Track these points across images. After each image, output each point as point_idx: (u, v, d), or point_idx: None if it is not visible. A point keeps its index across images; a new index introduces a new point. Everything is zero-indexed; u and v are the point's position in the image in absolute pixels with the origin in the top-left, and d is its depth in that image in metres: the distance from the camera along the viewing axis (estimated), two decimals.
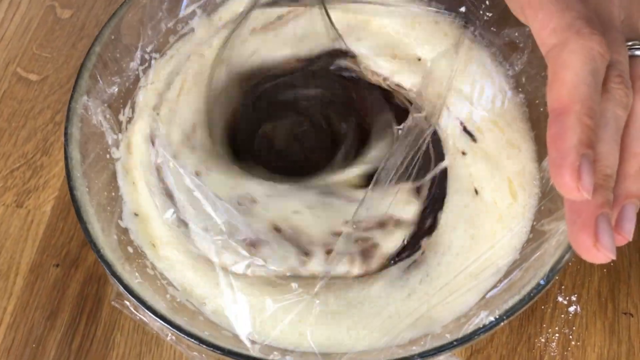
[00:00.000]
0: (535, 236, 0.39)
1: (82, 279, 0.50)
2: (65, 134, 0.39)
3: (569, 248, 0.34)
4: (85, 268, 0.51)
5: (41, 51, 0.62)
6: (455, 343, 0.32)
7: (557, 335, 0.46)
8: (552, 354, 0.46)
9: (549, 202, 0.41)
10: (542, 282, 0.33)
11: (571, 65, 0.30)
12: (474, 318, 0.34)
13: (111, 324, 0.49)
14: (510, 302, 0.33)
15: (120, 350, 0.48)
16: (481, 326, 0.32)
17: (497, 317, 0.33)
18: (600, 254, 0.30)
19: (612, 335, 0.46)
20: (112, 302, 0.38)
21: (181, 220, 0.39)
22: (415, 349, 0.32)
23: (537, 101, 0.44)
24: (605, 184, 0.31)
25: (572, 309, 0.47)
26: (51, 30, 0.63)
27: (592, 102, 0.30)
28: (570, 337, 0.46)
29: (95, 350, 0.48)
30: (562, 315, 0.47)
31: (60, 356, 0.48)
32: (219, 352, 0.32)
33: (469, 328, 0.33)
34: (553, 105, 0.31)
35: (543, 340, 0.46)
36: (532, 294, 0.33)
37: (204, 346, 0.32)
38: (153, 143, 0.42)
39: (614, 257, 0.30)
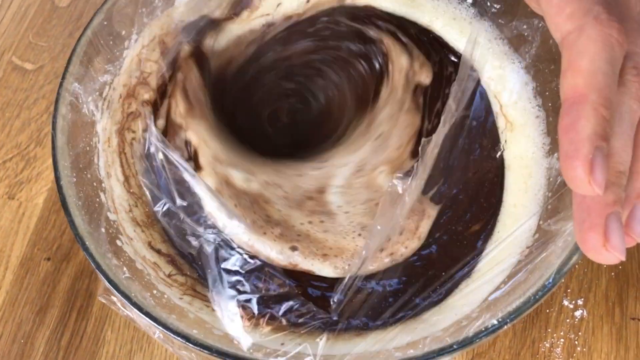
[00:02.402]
0: (541, 236, 0.38)
1: (73, 274, 0.49)
2: (53, 121, 0.37)
3: (577, 249, 0.33)
4: (76, 262, 0.49)
5: (37, 40, 0.60)
6: (455, 347, 0.30)
7: (562, 340, 0.45)
8: (557, 359, 0.44)
9: (556, 200, 0.39)
10: (548, 283, 0.32)
11: (588, 53, 0.29)
12: (475, 321, 0.32)
13: (102, 320, 0.47)
14: (514, 305, 0.31)
15: (110, 347, 0.46)
16: (483, 329, 0.31)
17: (500, 319, 0.31)
18: (610, 254, 0.28)
19: (620, 341, 0.45)
20: (100, 297, 0.37)
21: (173, 213, 0.38)
22: (413, 352, 0.30)
23: (546, 93, 0.42)
24: (618, 181, 0.29)
25: (578, 313, 0.46)
26: (48, 18, 0.61)
27: (609, 92, 0.28)
28: (576, 342, 0.45)
29: (85, 347, 0.46)
30: (568, 320, 0.45)
31: (49, 352, 0.46)
32: (206, 351, 0.31)
33: (470, 331, 0.31)
34: (567, 94, 0.29)
35: (547, 345, 0.45)
36: (537, 296, 0.31)
37: (191, 345, 0.31)
38: (144, 132, 0.40)
39: (623, 259, 0.28)
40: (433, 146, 0.37)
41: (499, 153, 0.42)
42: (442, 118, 0.38)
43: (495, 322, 0.31)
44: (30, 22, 0.61)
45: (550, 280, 0.32)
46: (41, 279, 0.49)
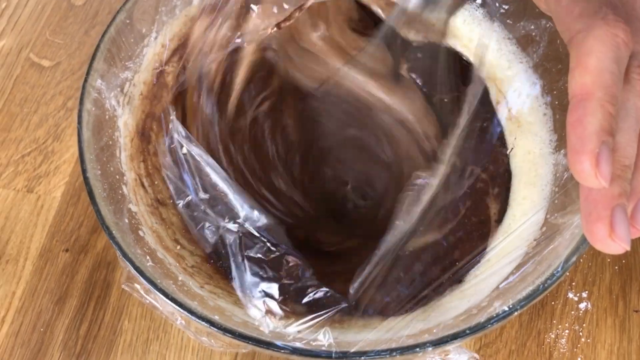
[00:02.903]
0: (548, 229, 0.39)
1: (91, 265, 0.50)
2: (79, 116, 0.39)
3: (584, 240, 0.34)
4: (94, 254, 0.51)
5: (54, 37, 0.62)
6: (468, 332, 0.32)
7: (567, 331, 0.46)
8: (562, 350, 0.46)
9: (563, 195, 0.40)
10: (556, 272, 0.33)
11: (595, 52, 0.30)
12: (486, 308, 0.34)
13: (119, 310, 0.49)
14: (524, 292, 0.33)
15: (127, 336, 0.48)
16: (494, 315, 0.32)
17: (511, 306, 0.32)
18: (615, 245, 0.30)
19: (623, 332, 0.46)
20: (123, 286, 0.38)
21: (194, 205, 0.39)
22: (427, 337, 0.32)
23: (554, 92, 0.43)
24: (623, 174, 0.31)
25: (582, 305, 0.47)
26: (64, 16, 0.63)
27: (615, 90, 0.30)
28: (580, 333, 0.46)
29: (102, 336, 0.48)
30: (573, 312, 0.47)
31: (68, 341, 0.48)
32: (229, 335, 0.32)
33: (482, 317, 0.32)
34: (575, 91, 0.30)
35: (553, 336, 0.46)
36: (546, 285, 0.33)
37: (215, 329, 0.32)
38: (167, 129, 0.42)
39: (628, 248, 0.30)
40: (449, 150, 0.39)
41: (509, 150, 0.43)
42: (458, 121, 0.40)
43: (506, 308, 0.32)
44: (47, 20, 0.63)
45: (560, 269, 0.33)
46: (60, 269, 0.50)
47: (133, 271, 0.34)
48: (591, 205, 0.30)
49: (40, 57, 0.61)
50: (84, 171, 0.37)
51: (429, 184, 0.38)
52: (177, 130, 0.40)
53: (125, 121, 0.43)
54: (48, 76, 0.60)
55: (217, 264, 0.39)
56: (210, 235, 0.39)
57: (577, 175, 0.30)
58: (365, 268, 0.37)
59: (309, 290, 0.37)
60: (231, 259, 0.37)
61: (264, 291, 0.36)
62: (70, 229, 0.52)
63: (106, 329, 0.48)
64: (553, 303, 0.47)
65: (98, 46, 0.41)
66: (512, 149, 0.44)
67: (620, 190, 0.30)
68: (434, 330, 0.33)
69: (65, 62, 0.60)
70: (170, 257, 0.40)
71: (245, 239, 0.37)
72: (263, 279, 0.36)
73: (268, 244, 0.37)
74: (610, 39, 0.30)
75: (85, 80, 0.40)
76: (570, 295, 0.47)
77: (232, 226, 0.38)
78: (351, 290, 0.37)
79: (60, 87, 0.59)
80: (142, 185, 0.42)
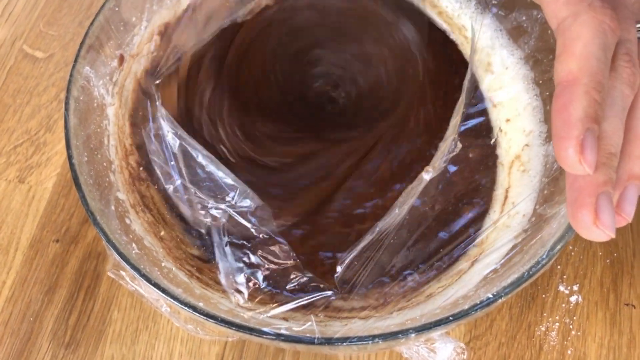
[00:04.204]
0: (537, 220, 0.39)
1: (81, 256, 0.50)
2: (66, 103, 0.39)
3: (570, 228, 0.34)
4: (84, 245, 0.51)
5: (48, 29, 0.61)
6: (451, 319, 0.31)
7: (557, 324, 0.46)
8: (552, 343, 0.45)
9: (551, 186, 0.40)
10: (541, 259, 0.33)
11: (581, 38, 0.30)
12: (472, 297, 0.34)
13: (109, 301, 0.48)
14: (509, 280, 0.33)
15: (117, 326, 0.47)
16: (478, 302, 0.32)
17: (495, 293, 0.32)
18: (600, 232, 0.29)
19: (613, 326, 0.46)
20: (109, 273, 0.38)
21: (183, 189, 0.39)
22: (410, 324, 0.32)
23: (544, 83, 0.43)
24: (608, 162, 0.30)
25: (573, 298, 0.47)
26: (59, 8, 0.63)
27: (601, 76, 0.29)
28: (571, 326, 0.46)
29: (92, 326, 0.48)
30: (563, 305, 0.47)
31: (57, 331, 0.47)
32: (212, 321, 0.32)
33: (465, 304, 0.32)
34: (561, 77, 0.30)
35: (543, 329, 0.46)
36: (530, 272, 0.32)
37: (198, 315, 0.32)
38: (153, 115, 0.41)
39: (613, 236, 0.30)
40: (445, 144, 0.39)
41: (492, 140, 0.43)
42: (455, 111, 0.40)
43: (490, 295, 0.32)
44: (41, 11, 0.63)
45: (544, 257, 0.33)
46: (50, 260, 0.50)
47: (117, 257, 0.34)
48: (576, 193, 0.30)
49: (33, 49, 0.61)
50: (69, 157, 0.37)
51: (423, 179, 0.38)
52: (162, 114, 0.39)
53: (115, 110, 0.43)
54: (41, 67, 0.59)
55: (202, 249, 0.39)
56: (198, 219, 0.39)
57: (562, 161, 0.29)
58: (352, 252, 0.37)
59: (293, 276, 0.36)
60: (215, 244, 0.37)
61: (247, 277, 0.36)
62: (61, 220, 0.52)
63: (95, 319, 0.48)
64: (544, 296, 0.47)
65: (86, 33, 0.41)
66: (496, 138, 0.44)
67: (605, 177, 0.30)
68: (417, 318, 0.33)
69: (59, 53, 0.60)
70: (158, 245, 0.40)
71: (229, 224, 0.37)
72: (246, 264, 0.36)
73: (252, 229, 0.37)
74: (597, 25, 0.30)
75: (73, 67, 0.40)
76: (561, 288, 0.47)
77: (216, 212, 0.38)
78: (337, 272, 0.37)
79: (53, 79, 0.59)
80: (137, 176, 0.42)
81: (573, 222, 0.30)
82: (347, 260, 0.36)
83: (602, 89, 0.30)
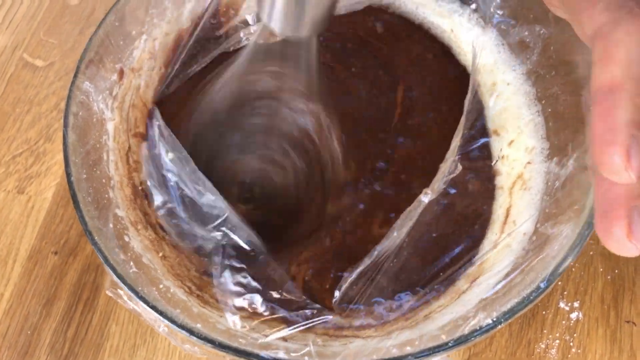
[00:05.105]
0: (538, 239, 0.39)
1: (80, 268, 0.50)
2: (65, 119, 0.39)
3: (572, 251, 0.34)
4: (83, 257, 0.50)
5: (48, 37, 0.61)
6: (450, 344, 0.31)
7: (557, 341, 0.46)
8: None
9: (553, 204, 0.40)
10: (542, 285, 0.32)
11: (625, 44, 0.29)
12: (471, 320, 0.33)
13: (107, 314, 0.48)
14: (509, 305, 0.32)
15: (114, 340, 0.47)
16: (478, 328, 0.32)
17: (495, 319, 0.32)
18: (632, 245, 0.28)
19: (614, 343, 0.46)
20: (107, 291, 0.38)
21: (178, 212, 0.39)
22: (409, 349, 0.31)
23: (543, 102, 0.43)
24: None
25: (573, 315, 0.46)
26: (59, 16, 0.62)
27: None
28: (571, 343, 0.46)
29: (90, 339, 0.47)
30: (564, 322, 0.46)
31: (55, 343, 0.47)
32: (209, 345, 0.31)
33: (465, 329, 0.32)
34: (602, 82, 0.29)
35: (543, 346, 0.46)
36: (531, 297, 0.32)
37: (194, 338, 0.32)
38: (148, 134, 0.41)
39: None
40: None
41: (494, 162, 0.43)
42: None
43: (490, 321, 0.32)
44: (41, 19, 0.62)
45: (545, 282, 0.33)
46: (49, 272, 0.50)
47: (115, 278, 0.34)
48: (608, 203, 0.29)
49: (34, 57, 0.60)
50: (68, 175, 0.37)
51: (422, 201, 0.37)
52: (162, 133, 0.39)
53: (115, 125, 0.43)
54: (41, 76, 0.59)
55: (201, 271, 0.39)
56: (193, 243, 0.38)
57: (605, 168, 0.28)
58: (351, 275, 0.37)
59: (291, 302, 0.36)
60: (213, 267, 0.37)
61: (244, 301, 0.36)
62: (60, 231, 0.52)
63: (93, 332, 0.48)
64: (544, 312, 0.47)
65: (86, 48, 0.41)
66: (497, 160, 0.43)
67: (639, 191, 0.29)
68: (416, 342, 0.32)
69: (59, 62, 0.60)
70: (158, 262, 0.39)
71: (228, 247, 0.37)
72: (245, 288, 0.36)
73: (251, 253, 0.37)
74: (639, 33, 0.29)
75: (73, 83, 0.40)
76: (562, 304, 0.47)
77: (216, 234, 0.37)
78: (335, 297, 0.37)
79: (53, 88, 0.59)
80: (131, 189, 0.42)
81: (603, 234, 0.29)
82: (345, 285, 0.36)
83: None
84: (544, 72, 0.44)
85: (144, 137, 0.43)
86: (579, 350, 0.45)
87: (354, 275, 0.36)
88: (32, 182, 0.54)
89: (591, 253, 0.48)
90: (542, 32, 0.43)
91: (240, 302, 0.36)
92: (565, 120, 0.41)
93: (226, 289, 0.36)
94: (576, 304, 0.47)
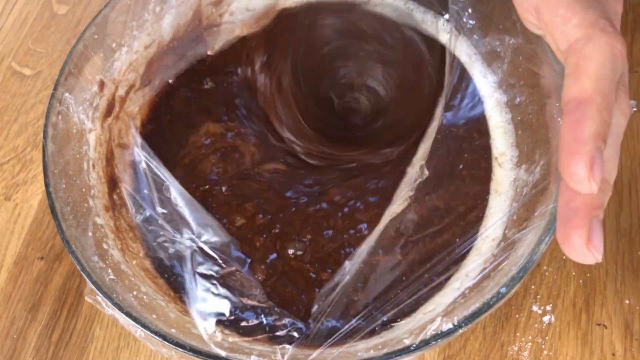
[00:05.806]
0: (506, 245, 0.40)
1: (65, 273, 0.51)
2: (45, 130, 0.40)
3: (532, 257, 0.35)
4: (68, 262, 0.51)
5: (36, 46, 0.62)
6: (412, 348, 0.32)
7: (530, 344, 0.47)
8: None
9: (521, 210, 0.41)
10: (502, 290, 0.34)
11: (596, 59, 0.30)
12: (435, 323, 0.34)
13: (91, 318, 0.49)
14: (470, 310, 0.33)
15: (99, 343, 0.48)
16: (440, 332, 0.33)
17: (455, 323, 0.33)
18: (590, 254, 0.29)
19: (585, 346, 0.47)
20: (86, 297, 0.39)
21: (152, 220, 0.40)
22: (373, 353, 0.32)
23: (516, 108, 0.44)
24: (604, 187, 0.31)
25: (546, 318, 0.48)
26: (47, 25, 0.64)
27: (611, 99, 0.30)
28: (543, 346, 0.47)
29: (74, 343, 0.48)
30: (536, 325, 0.47)
31: (40, 347, 0.48)
32: (181, 349, 0.33)
33: (427, 333, 0.33)
34: (573, 94, 0.30)
35: (516, 348, 0.47)
36: (491, 303, 0.33)
37: (167, 343, 0.33)
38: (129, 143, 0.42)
39: (600, 260, 0.30)
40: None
41: (460, 166, 0.44)
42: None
43: (451, 325, 0.33)
44: (29, 28, 0.63)
45: (504, 288, 0.34)
46: (34, 277, 0.51)
47: (91, 285, 0.35)
48: (571, 212, 0.30)
49: (21, 66, 0.61)
50: (46, 185, 0.38)
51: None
52: (137, 142, 0.40)
53: (96, 135, 0.44)
54: (29, 85, 0.60)
55: (171, 278, 0.40)
56: (167, 250, 0.40)
57: (569, 177, 0.29)
58: (323, 288, 0.38)
59: (260, 309, 0.37)
60: (183, 274, 0.38)
61: (214, 308, 0.37)
62: (46, 237, 0.53)
63: (78, 336, 0.49)
64: (517, 316, 0.48)
65: (66, 61, 0.42)
66: (470, 165, 0.44)
67: (599, 202, 0.30)
68: (380, 347, 0.33)
69: (47, 71, 0.61)
70: (134, 269, 0.40)
71: (198, 255, 0.38)
72: (214, 294, 0.37)
73: (220, 261, 0.38)
74: (609, 50, 0.30)
75: (52, 95, 0.41)
76: (535, 308, 0.48)
77: (186, 242, 0.39)
78: (313, 311, 0.37)
79: (40, 96, 0.60)
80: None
81: (564, 242, 0.30)
82: (318, 300, 0.37)
83: (611, 112, 0.30)
84: (513, 81, 0.45)
85: (127, 147, 0.44)
86: (550, 353, 0.46)
87: (327, 288, 0.37)
88: (18, 190, 0.55)
89: (564, 257, 0.49)
90: (511, 42, 0.44)
91: (209, 308, 0.37)
92: (533, 129, 0.42)
93: (195, 296, 0.37)
94: (549, 307, 0.48)
